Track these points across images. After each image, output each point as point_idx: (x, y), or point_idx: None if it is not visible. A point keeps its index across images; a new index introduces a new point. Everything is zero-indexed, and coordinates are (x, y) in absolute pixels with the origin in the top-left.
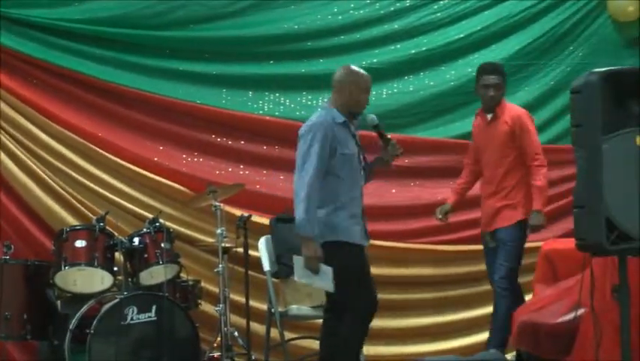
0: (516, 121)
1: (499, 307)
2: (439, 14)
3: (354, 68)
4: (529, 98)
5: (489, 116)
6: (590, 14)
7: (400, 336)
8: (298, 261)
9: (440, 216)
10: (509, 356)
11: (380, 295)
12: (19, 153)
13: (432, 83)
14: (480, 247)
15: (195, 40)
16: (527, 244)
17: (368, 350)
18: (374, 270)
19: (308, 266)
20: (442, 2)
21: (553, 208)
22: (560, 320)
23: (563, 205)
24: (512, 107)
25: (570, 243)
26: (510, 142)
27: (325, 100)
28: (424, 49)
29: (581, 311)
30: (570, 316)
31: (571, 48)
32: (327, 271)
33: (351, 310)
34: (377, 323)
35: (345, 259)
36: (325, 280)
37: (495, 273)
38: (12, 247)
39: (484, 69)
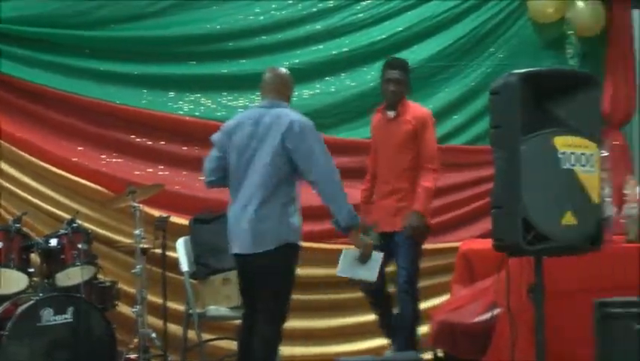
0: (420, 121)
1: (405, 310)
2: (361, 15)
3: None
4: (450, 99)
5: (390, 114)
6: (511, 16)
7: (315, 336)
8: (348, 255)
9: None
10: (426, 356)
11: (298, 296)
12: None
13: (353, 84)
14: None
15: (116, 40)
16: (446, 245)
17: (284, 350)
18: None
19: (367, 253)
20: (364, 3)
21: (472, 209)
22: (477, 319)
23: (481, 206)
24: (416, 107)
25: (488, 243)
26: (411, 142)
27: (256, 101)
28: (345, 49)
29: (497, 311)
30: (486, 316)
31: (491, 49)
32: (377, 258)
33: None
34: (294, 323)
35: (296, 262)
36: (371, 270)
37: (398, 277)
38: None
39: (389, 64)
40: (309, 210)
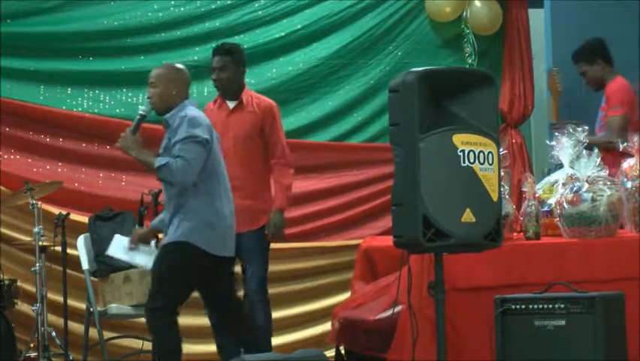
0: (267, 112)
1: (259, 318)
2: (259, 13)
3: None
4: (350, 97)
5: (231, 104)
6: (409, 15)
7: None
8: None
9: None
10: (328, 353)
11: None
12: None
13: (253, 82)
14: (302, 244)
15: (12, 35)
16: (347, 242)
17: (187, 348)
18: None
19: (134, 240)
20: (262, 1)
21: (371, 206)
22: (378, 316)
23: (381, 203)
24: (261, 97)
25: (388, 240)
26: (257, 135)
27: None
28: (245, 47)
29: (398, 308)
30: (388, 313)
31: (390, 48)
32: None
33: None
34: (195, 320)
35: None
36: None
37: (249, 283)
38: None
39: (214, 50)
40: None
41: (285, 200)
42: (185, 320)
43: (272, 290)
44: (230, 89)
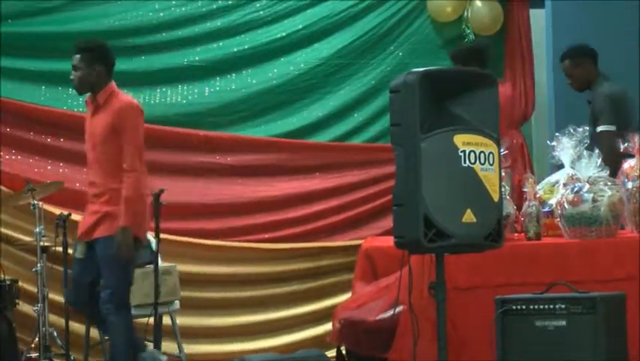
0: (120, 113)
1: (115, 337)
2: (261, 12)
3: None
4: (351, 97)
5: (92, 106)
6: (410, 15)
7: (220, 334)
8: None
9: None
10: (330, 353)
11: (201, 294)
12: None
13: (254, 82)
14: (303, 244)
15: (13, 35)
16: (348, 242)
17: (190, 348)
18: (195, 268)
19: None
20: (264, 1)
21: (372, 207)
22: (380, 317)
23: (382, 204)
24: (121, 97)
25: (389, 241)
26: (111, 136)
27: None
28: (246, 47)
29: (399, 309)
30: (389, 313)
31: (391, 48)
32: None
33: None
34: (198, 320)
35: None
36: None
37: (102, 294)
38: None
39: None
40: (206, 208)
41: (124, 216)
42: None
43: (273, 290)
44: (87, 89)
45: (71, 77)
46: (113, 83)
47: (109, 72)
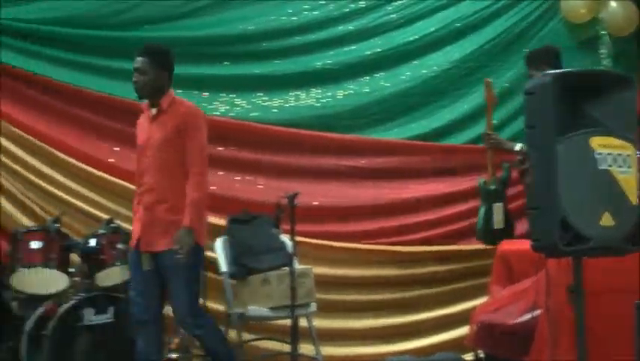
0: (187, 117)
1: (211, 344)
2: (393, 15)
3: None
4: (483, 100)
5: (153, 110)
6: (544, 16)
7: (357, 337)
8: None
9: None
10: (467, 357)
11: (337, 296)
12: None
13: (387, 85)
14: (438, 247)
15: (149, 40)
16: (483, 246)
17: (327, 350)
18: (330, 270)
19: None
20: (396, 3)
21: (509, 210)
22: (517, 320)
23: (516, 207)
24: (183, 102)
25: (526, 244)
26: (175, 141)
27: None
28: (378, 50)
29: (537, 312)
30: (527, 316)
31: (525, 50)
32: None
33: None
34: (334, 323)
35: None
36: None
37: (175, 312)
38: None
39: (136, 51)
40: (342, 211)
41: (188, 216)
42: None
43: (408, 293)
44: (150, 94)
45: (135, 79)
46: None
47: (171, 78)
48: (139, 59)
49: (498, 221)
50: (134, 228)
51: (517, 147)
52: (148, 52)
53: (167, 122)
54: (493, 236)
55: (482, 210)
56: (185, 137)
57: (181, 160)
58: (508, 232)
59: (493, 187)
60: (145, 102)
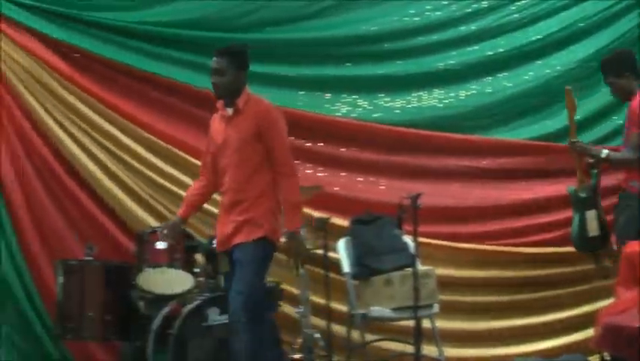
0: (266, 116)
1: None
2: (516, 15)
3: None
4: (608, 100)
5: (229, 110)
6: None
7: (480, 338)
8: None
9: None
10: (593, 358)
11: (460, 298)
12: (100, 154)
13: (509, 85)
14: (563, 248)
15: (272, 42)
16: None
17: (450, 351)
18: (452, 271)
19: None
20: (519, 3)
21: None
22: None
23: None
24: (259, 101)
25: None
26: (253, 141)
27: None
28: (501, 50)
29: None
30: None
31: None
32: None
33: None
34: (458, 324)
35: None
36: None
37: (230, 303)
38: (94, 248)
39: (215, 51)
40: (465, 211)
41: (294, 219)
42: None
43: (531, 295)
44: (228, 94)
45: (213, 80)
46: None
47: (247, 76)
48: (217, 59)
49: (592, 229)
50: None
51: (604, 154)
52: (227, 52)
53: (243, 122)
54: (589, 244)
55: (576, 218)
56: (266, 137)
57: (259, 160)
58: (604, 240)
59: (583, 195)
60: (220, 102)
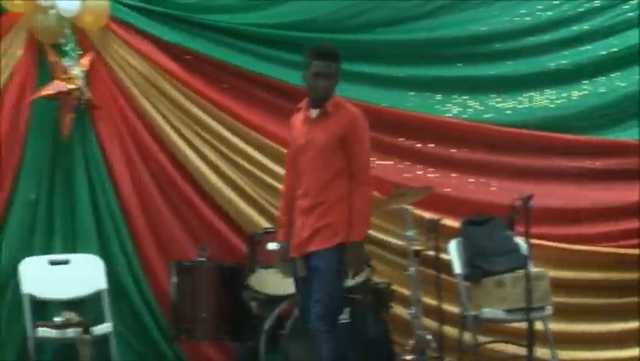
0: (353, 123)
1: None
2: (630, 14)
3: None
4: None
5: (314, 112)
6: None
7: (594, 341)
8: None
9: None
10: None
11: (573, 300)
12: (212, 156)
13: (623, 84)
14: None
15: (382, 43)
16: None
17: (563, 354)
18: (566, 273)
19: None
20: (633, 2)
21: None
22: None
23: None
24: (348, 106)
25: None
26: (337, 146)
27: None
28: (615, 50)
29: None
30: None
31: None
32: None
33: None
34: (571, 326)
35: None
36: None
37: (313, 310)
38: (207, 249)
39: (317, 53)
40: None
41: (358, 229)
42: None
43: None
44: (327, 98)
45: (322, 84)
46: None
47: None
48: (329, 63)
49: None
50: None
51: None
52: (337, 57)
53: (331, 125)
54: None
55: None
56: (350, 143)
57: (340, 165)
58: None
59: None
60: (303, 102)
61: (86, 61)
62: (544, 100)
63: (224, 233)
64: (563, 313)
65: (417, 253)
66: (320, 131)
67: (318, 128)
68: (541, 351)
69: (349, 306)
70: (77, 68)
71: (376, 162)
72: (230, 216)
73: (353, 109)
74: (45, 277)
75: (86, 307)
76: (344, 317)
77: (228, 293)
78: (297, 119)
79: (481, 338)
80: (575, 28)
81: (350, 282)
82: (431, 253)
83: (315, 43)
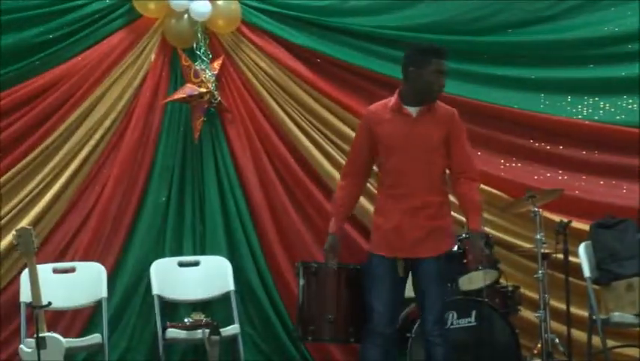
0: (455, 121)
1: (435, 357)
2: None
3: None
4: None
5: (413, 110)
6: None
7: None
8: None
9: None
10: None
11: None
12: (340, 160)
13: None
14: None
15: (514, 44)
16: None
17: None
18: None
19: None
20: None
21: None
22: None
23: None
24: (444, 105)
25: None
26: (441, 145)
27: None
28: None
29: None
30: None
31: None
32: None
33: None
34: None
35: None
36: None
37: (425, 321)
38: None
39: (438, 51)
40: None
41: (479, 220)
42: None
43: None
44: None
45: (442, 84)
46: None
47: None
48: (445, 62)
49: None
50: (378, 233)
51: None
52: (447, 55)
53: (432, 124)
54: None
55: None
56: (455, 140)
57: (444, 165)
58: None
59: None
60: (394, 97)
61: (217, 64)
62: None
63: (349, 234)
64: None
65: (546, 255)
66: (425, 130)
67: (422, 127)
68: None
69: (476, 309)
70: (209, 71)
71: (507, 165)
72: (356, 217)
73: (451, 108)
74: (174, 278)
75: (214, 309)
76: (469, 320)
77: (354, 294)
78: (381, 115)
79: (611, 342)
80: None
81: (478, 284)
82: (560, 256)
83: (447, 45)
